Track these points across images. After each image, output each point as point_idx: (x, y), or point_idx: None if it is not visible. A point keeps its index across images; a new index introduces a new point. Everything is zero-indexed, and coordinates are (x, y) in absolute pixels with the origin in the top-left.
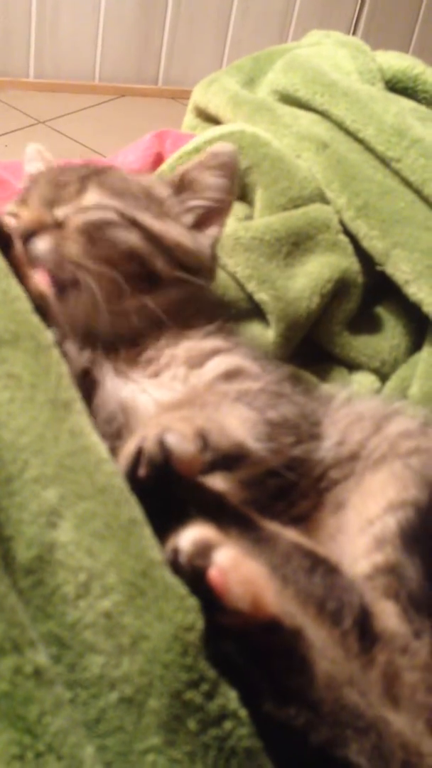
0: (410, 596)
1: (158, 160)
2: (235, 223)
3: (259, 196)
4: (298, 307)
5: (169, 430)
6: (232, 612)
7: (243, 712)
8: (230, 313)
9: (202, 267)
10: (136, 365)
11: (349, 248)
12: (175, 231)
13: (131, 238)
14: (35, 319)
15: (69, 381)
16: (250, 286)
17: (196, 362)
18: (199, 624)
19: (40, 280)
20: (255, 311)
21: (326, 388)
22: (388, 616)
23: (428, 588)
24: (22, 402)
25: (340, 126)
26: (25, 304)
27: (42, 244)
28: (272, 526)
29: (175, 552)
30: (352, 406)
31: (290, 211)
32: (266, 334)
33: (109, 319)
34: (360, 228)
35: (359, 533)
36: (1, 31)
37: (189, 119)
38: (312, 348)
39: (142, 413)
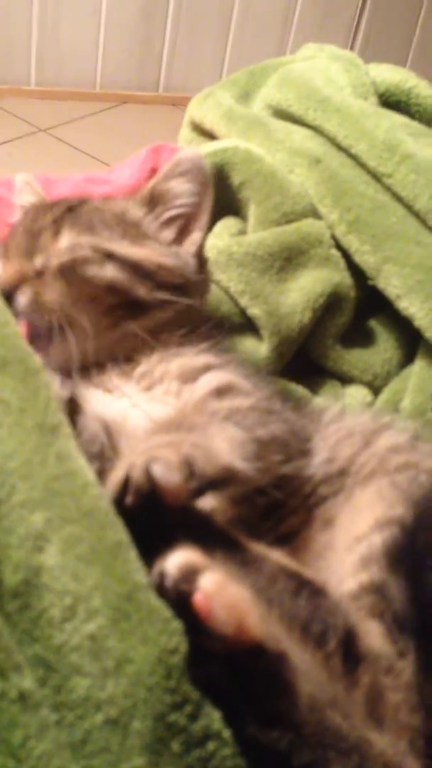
0: (395, 616)
1: (153, 174)
2: (228, 239)
3: (252, 212)
4: (290, 322)
5: (156, 460)
6: (216, 636)
7: (226, 733)
8: (223, 329)
9: (187, 282)
10: (129, 379)
11: (342, 263)
12: (154, 252)
13: (108, 273)
14: (23, 344)
15: (56, 404)
16: (243, 301)
17: (189, 377)
18: (183, 647)
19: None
20: (248, 325)
21: (317, 402)
22: (373, 636)
23: (412, 608)
24: (10, 427)
25: (332, 141)
26: (13, 329)
27: (21, 299)
28: (258, 548)
29: (162, 576)
30: (342, 421)
31: (283, 226)
32: (259, 348)
33: (97, 349)
34: (352, 243)
35: (347, 551)
36: (2, 38)
37: (185, 133)
38: (305, 361)
39: (133, 429)
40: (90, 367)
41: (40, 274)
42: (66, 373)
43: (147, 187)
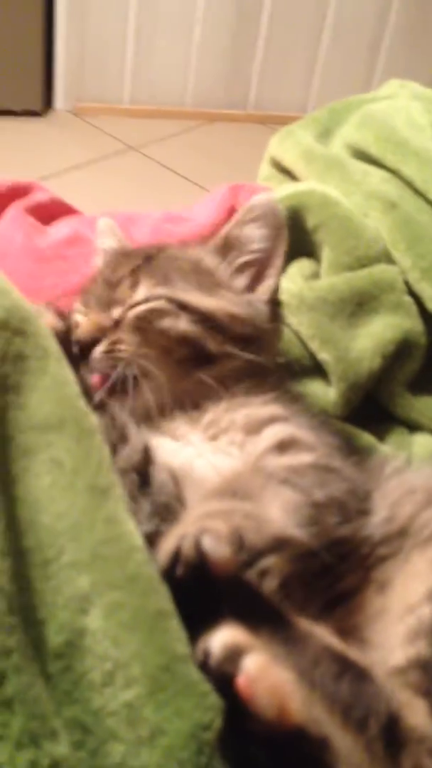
0: None
1: (232, 214)
2: (301, 282)
3: (325, 255)
4: (359, 368)
5: (206, 532)
6: (258, 719)
7: None
8: (292, 376)
9: (258, 332)
10: (196, 428)
11: (414, 309)
12: (227, 302)
13: (180, 325)
14: (81, 404)
15: (108, 466)
16: (313, 345)
17: (254, 429)
18: (217, 723)
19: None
20: (317, 369)
21: (380, 453)
22: (419, 715)
23: None
24: (63, 487)
25: (410, 185)
26: (73, 389)
27: (98, 350)
28: (304, 625)
29: (206, 654)
30: (404, 476)
31: (355, 271)
32: (328, 392)
33: (169, 398)
34: (425, 290)
35: (398, 620)
36: (97, 58)
37: (265, 169)
38: (373, 406)
39: (199, 480)
40: (160, 416)
41: (116, 325)
42: (140, 421)
43: (221, 234)
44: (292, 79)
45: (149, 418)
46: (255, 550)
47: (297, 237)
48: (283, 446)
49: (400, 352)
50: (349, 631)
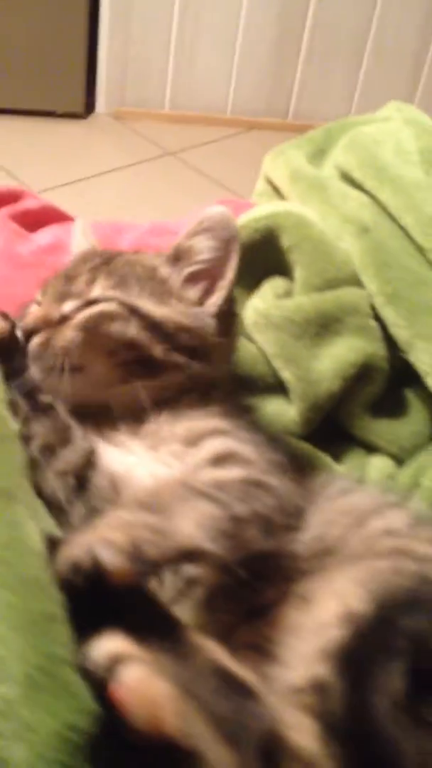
0: (331, 719)
1: None
2: (271, 300)
3: (298, 275)
4: (319, 389)
5: (102, 544)
6: (131, 728)
7: None
8: (245, 390)
9: (205, 345)
10: (136, 437)
11: (377, 333)
12: (176, 312)
13: (130, 330)
14: (1, 409)
15: (19, 470)
16: (277, 364)
17: (193, 441)
18: (85, 727)
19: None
20: (281, 388)
21: (330, 473)
22: (306, 735)
23: (347, 715)
24: None
25: (385, 211)
26: None
27: (35, 341)
28: (195, 639)
29: (86, 660)
30: (347, 497)
31: (324, 292)
32: (289, 411)
33: (102, 400)
34: (388, 315)
35: (308, 638)
36: (140, 62)
37: (260, 185)
38: (334, 427)
39: (137, 486)
40: (102, 422)
41: (64, 319)
42: (83, 424)
43: (173, 244)
44: (333, 89)
45: (94, 424)
46: (153, 562)
47: (273, 256)
48: (219, 460)
49: (362, 375)
50: (263, 644)
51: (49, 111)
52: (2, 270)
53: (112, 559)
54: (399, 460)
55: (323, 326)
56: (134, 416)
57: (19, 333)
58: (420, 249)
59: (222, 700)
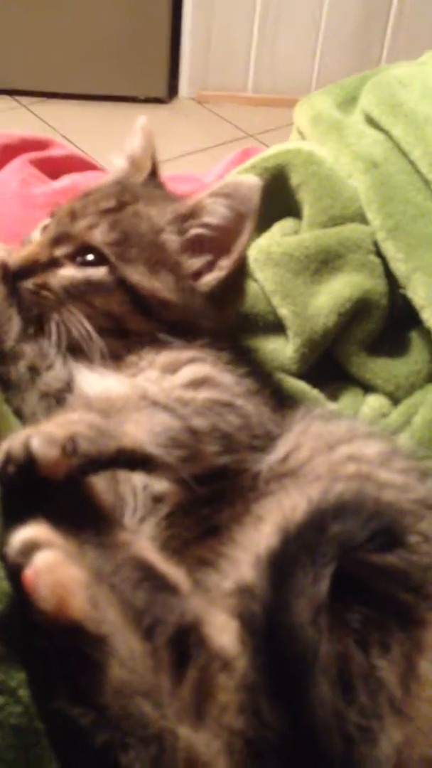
0: (251, 619)
1: None
2: (277, 238)
3: (305, 213)
4: (314, 324)
5: (37, 434)
6: (39, 611)
7: (24, 692)
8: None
9: (188, 319)
10: (117, 365)
11: (379, 269)
12: (164, 286)
13: (110, 304)
14: None
15: None
16: (275, 300)
17: (170, 369)
18: (4, 610)
19: None
20: (280, 326)
21: (312, 404)
22: (226, 633)
23: (268, 616)
24: None
25: (397, 146)
26: None
27: (22, 287)
28: (124, 536)
29: (5, 546)
30: (321, 425)
31: (326, 229)
32: (286, 349)
33: (84, 347)
34: (388, 249)
35: (248, 549)
36: (224, 47)
37: (292, 135)
38: (333, 368)
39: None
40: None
41: (52, 263)
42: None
43: (192, 199)
44: None
45: (74, 354)
46: (88, 457)
47: (283, 195)
48: (193, 383)
49: (358, 310)
50: (212, 559)
51: (132, 97)
52: (15, 210)
53: (44, 450)
54: (395, 400)
55: (324, 262)
56: (113, 355)
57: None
58: (426, 182)
59: (141, 593)
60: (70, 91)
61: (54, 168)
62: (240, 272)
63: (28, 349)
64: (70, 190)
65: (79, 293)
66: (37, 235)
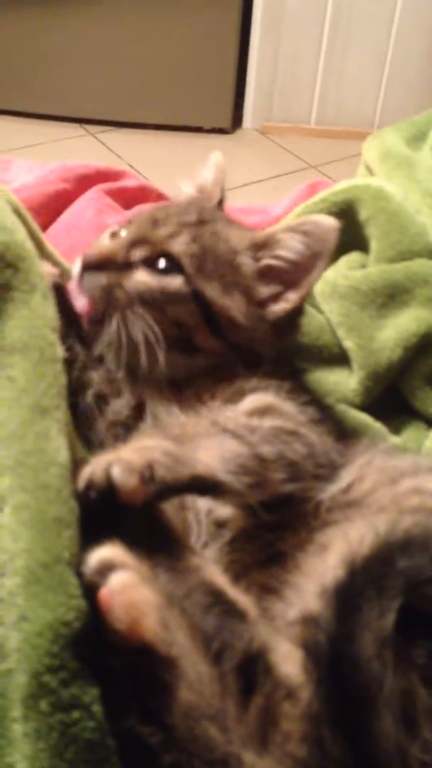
0: (316, 649)
1: None
2: (343, 271)
3: (372, 248)
4: (379, 357)
5: (117, 462)
6: (113, 630)
7: (97, 708)
8: (316, 365)
9: (252, 345)
10: (181, 396)
11: None
12: (235, 307)
13: (182, 312)
14: (51, 337)
15: (58, 391)
16: (340, 333)
17: (233, 399)
18: (77, 624)
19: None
20: (344, 358)
21: (377, 437)
22: (291, 663)
23: (333, 647)
24: (10, 400)
25: None
26: (47, 323)
27: (91, 280)
28: (195, 560)
29: (83, 564)
30: (385, 458)
31: (394, 263)
32: (350, 381)
33: (143, 361)
34: None
35: (314, 579)
36: (290, 78)
37: (360, 170)
38: (397, 400)
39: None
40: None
41: (128, 265)
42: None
43: (267, 230)
44: None
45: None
46: (165, 484)
47: (351, 230)
48: (257, 411)
49: (424, 345)
50: (275, 586)
51: (196, 126)
52: (90, 238)
53: (124, 478)
54: None
55: (390, 296)
56: (176, 379)
57: (78, 263)
58: None
59: (210, 618)
60: (137, 120)
61: (127, 198)
62: (302, 306)
63: (95, 376)
64: None
65: (152, 299)
66: (105, 240)
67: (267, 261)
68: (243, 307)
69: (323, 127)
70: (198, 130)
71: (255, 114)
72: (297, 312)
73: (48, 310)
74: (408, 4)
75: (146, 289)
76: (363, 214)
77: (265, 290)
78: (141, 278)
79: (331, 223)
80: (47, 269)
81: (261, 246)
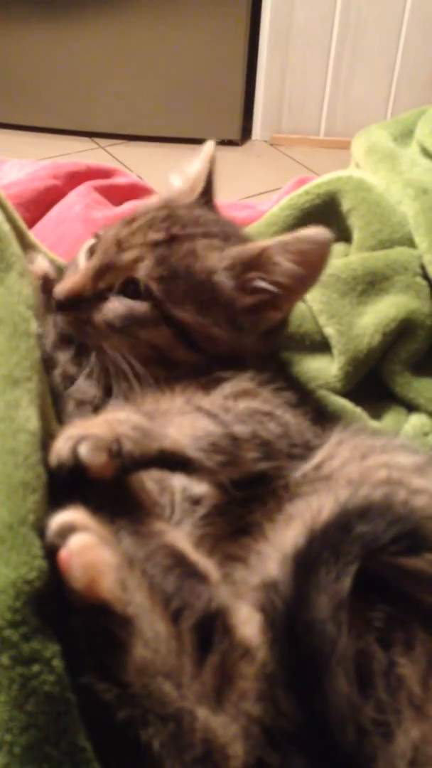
0: (273, 613)
1: None
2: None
3: (354, 237)
4: (359, 343)
5: (85, 439)
6: (71, 589)
7: (57, 663)
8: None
9: (236, 353)
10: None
11: (425, 291)
12: (214, 324)
13: (154, 335)
14: (25, 313)
15: (30, 364)
16: (321, 320)
17: (212, 387)
18: (38, 583)
19: None
20: (326, 345)
21: (353, 420)
22: (250, 625)
23: (289, 609)
24: None
25: None
26: (22, 300)
27: (63, 319)
28: (158, 525)
29: (45, 527)
30: (358, 437)
31: (374, 252)
32: (331, 368)
33: (124, 379)
34: None
35: (276, 547)
36: (297, 90)
37: (351, 166)
38: (378, 387)
39: None
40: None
41: (98, 296)
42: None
43: (259, 246)
44: None
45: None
46: (131, 458)
47: (334, 221)
48: (236, 395)
49: (403, 330)
50: (242, 555)
51: (206, 138)
52: (77, 231)
53: (91, 456)
54: None
55: (370, 283)
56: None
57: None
58: None
59: (171, 578)
60: (147, 133)
61: (117, 195)
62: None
63: (61, 357)
64: None
65: (123, 326)
66: (82, 258)
67: (258, 283)
68: (223, 321)
69: (332, 138)
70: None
71: (264, 126)
72: (286, 317)
73: (24, 288)
74: (416, 16)
75: (115, 316)
76: (345, 205)
77: (248, 299)
78: (110, 306)
79: (325, 237)
80: (40, 265)
81: (250, 266)
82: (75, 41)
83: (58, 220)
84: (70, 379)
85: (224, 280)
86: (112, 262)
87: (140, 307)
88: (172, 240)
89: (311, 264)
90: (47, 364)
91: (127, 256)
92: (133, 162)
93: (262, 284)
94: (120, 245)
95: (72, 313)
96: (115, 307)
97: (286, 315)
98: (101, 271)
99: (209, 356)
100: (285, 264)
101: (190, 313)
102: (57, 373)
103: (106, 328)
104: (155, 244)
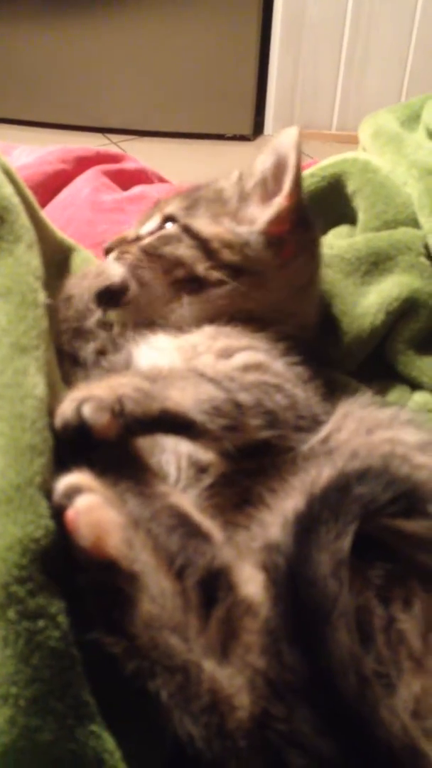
0: (276, 571)
1: None
2: (331, 240)
3: (359, 219)
4: (362, 322)
5: (88, 400)
6: (78, 548)
7: (62, 619)
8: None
9: (249, 262)
10: (178, 346)
11: (428, 271)
12: (224, 229)
13: (179, 249)
14: (33, 282)
15: (38, 333)
16: (325, 300)
17: (225, 354)
18: (45, 541)
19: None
20: (331, 324)
21: (356, 395)
22: (253, 584)
23: (291, 567)
24: None
25: None
26: (31, 271)
27: (109, 258)
28: (162, 488)
29: (52, 489)
30: (364, 411)
31: (379, 232)
32: (334, 346)
33: (158, 314)
34: None
35: (279, 512)
36: (309, 85)
37: (359, 150)
38: (383, 365)
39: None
40: (152, 329)
41: (138, 239)
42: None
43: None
44: None
45: (139, 331)
46: (133, 417)
47: (339, 203)
48: (247, 368)
49: (406, 309)
50: (245, 523)
51: (218, 134)
52: (85, 213)
53: (95, 416)
54: None
55: (374, 264)
56: (181, 329)
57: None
58: None
59: (175, 537)
60: (159, 128)
61: (126, 179)
62: (302, 226)
63: (102, 334)
64: (139, 198)
65: (153, 249)
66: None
67: (249, 184)
68: (232, 227)
69: (344, 132)
70: (220, 137)
71: (276, 120)
72: (293, 227)
73: (32, 260)
74: (428, 10)
75: (148, 243)
76: (350, 186)
77: (253, 209)
78: (146, 239)
79: (291, 129)
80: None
81: (242, 177)
82: (87, 38)
83: (67, 203)
84: (103, 354)
85: (231, 193)
86: (152, 213)
87: (168, 229)
88: (197, 188)
89: (280, 148)
90: (85, 335)
91: (163, 205)
92: (145, 158)
93: (252, 182)
94: (159, 203)
95: (118, 249)
96: (150, 237)
97: (283, 215)
98: (144, 221)
99: (231, 272)
100: (261, 159)
101: (205, 223)
102: (92, 346)
103: (142, 253)
104: (187, 192)
